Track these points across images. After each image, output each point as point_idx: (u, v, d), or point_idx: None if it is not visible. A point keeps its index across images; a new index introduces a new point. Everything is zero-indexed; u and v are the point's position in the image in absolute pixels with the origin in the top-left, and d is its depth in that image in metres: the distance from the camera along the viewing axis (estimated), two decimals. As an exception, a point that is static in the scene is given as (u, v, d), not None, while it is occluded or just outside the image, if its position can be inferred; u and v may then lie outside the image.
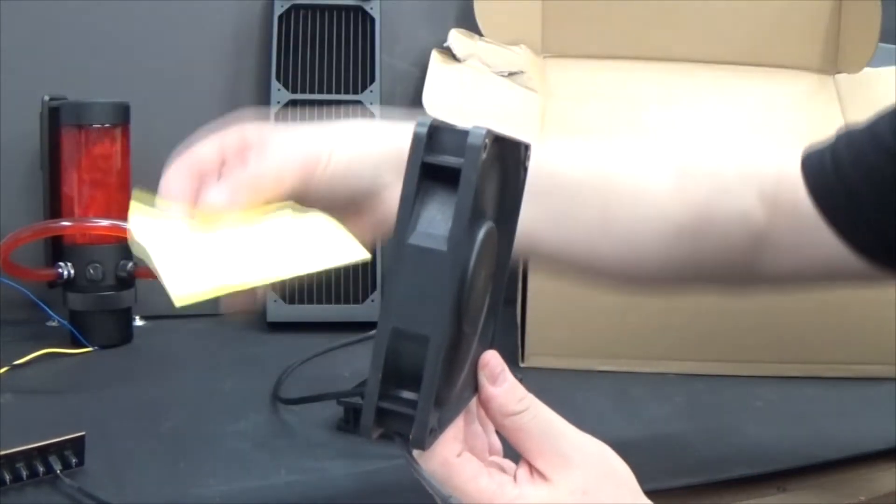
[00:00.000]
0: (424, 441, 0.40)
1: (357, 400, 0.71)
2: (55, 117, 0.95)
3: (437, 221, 0.38)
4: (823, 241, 0.60)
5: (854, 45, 1.10)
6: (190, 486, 0.62)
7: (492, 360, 0.46)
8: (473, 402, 0.46)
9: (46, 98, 0.96)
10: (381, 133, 0.56)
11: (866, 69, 1.10)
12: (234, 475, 0.64)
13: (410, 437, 0.40)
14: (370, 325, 1.00)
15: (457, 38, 1.05)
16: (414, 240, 0.38)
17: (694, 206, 0.61)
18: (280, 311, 1.01)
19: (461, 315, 0.40)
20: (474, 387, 0.45)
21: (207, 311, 1.07)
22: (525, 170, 0.45)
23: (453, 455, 0.45)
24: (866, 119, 0.61)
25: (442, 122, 0.38)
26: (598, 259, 0.61)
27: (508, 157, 0.43)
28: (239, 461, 0.66)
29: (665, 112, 1.03)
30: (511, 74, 1.04)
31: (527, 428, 0.45)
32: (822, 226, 0.60)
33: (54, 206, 0.97)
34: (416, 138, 0.37)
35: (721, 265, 0.62)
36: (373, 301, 1.01)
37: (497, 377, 0.45)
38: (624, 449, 0.46)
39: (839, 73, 1.10)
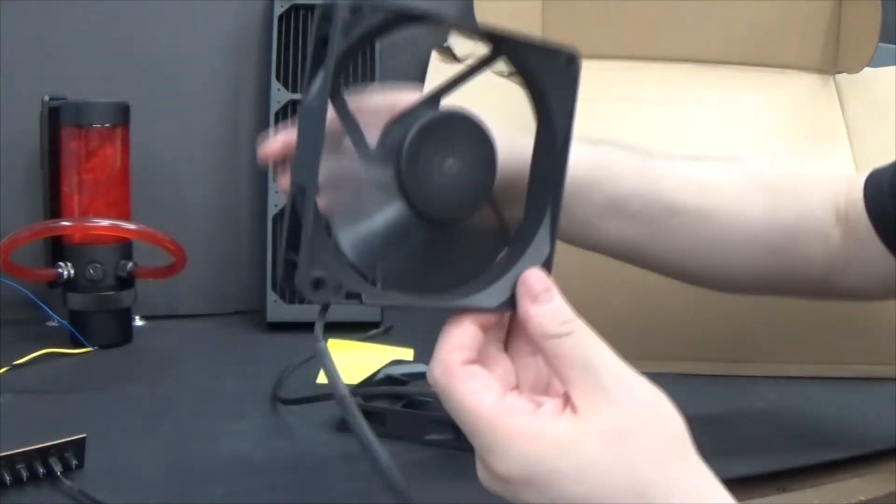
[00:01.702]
0: (306, 290, 0.40)
1: (357, 400, 0.71)
2: (55, 117, 0.95)
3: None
4: (880, 258, 0.63)
5: (854, 45, 1.10)
6: (190, 486, 0.62)
7: (531, 277, 0.43)
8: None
9: (46, 98, 0.96)
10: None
11: (866, 69, 1.09)
12: (234, 475, 0.64)
13: (294, 283, 0.40)
14: (371, 325, 1.00)
15: (457, 39, 1.05)
16: (304, 101, 0.42)
17: (782, 227, 0.64)
18: (280, 311, 1.01)
19: (406, 193, 0.42)
20: (512, 301, 0.44)
21: (207, 312, 1.07)
22: (570, 79, 0.46)
23: (456, 362, 0.41)
24: None
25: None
26: (694, 271, 0.66)
27: (530, 60, 0.45)
28: (239, 461, 0.66)
29: (665, 112, 1.03)
30: (511, 74, 1.04)
31: (569, 354, 0.40)
32: (877, 242, 0.63)
33: (54, 206, 0.97)
34: (318, 13, 0.41)
35: (802, 280, 0.66)
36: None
37: (538, 296, 0.42)
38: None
39: (839, 73, 1.10)
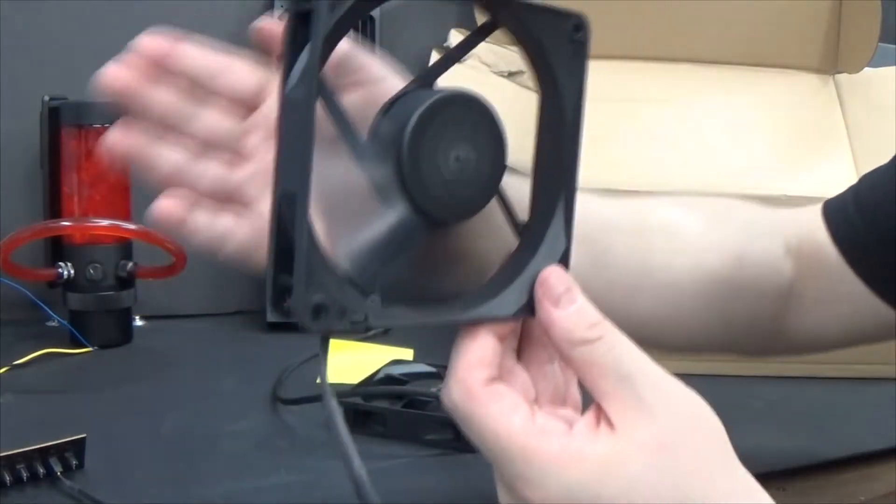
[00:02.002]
0: (305, 319, 0.34)
1: (357, 400, 0.71)
2: (55, 117, 0.95)
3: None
4: (850, 292, 0.57)
5: (854, 45, 1.10)
6: (190, 486, 0.62)
7: (551, 276, 0.38)
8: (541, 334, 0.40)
9: (46, 98, 0.96)
10: None
11: (866, 69, 1.09)
12: (234, 475, 0.64)
13: (290, 311, 0.34)
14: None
15: (457, 39, 1.05)
16: (284, 92, 0.35)
17: (727, 255, 0.56)
18: (280, 311, 1.01)
19: (410, 193, 0.37)
20: (530, 306, 0.39)
21: (207, 312, 1.07)
22: (579, 44, 0.40)
23: (478, 382, 0.36)
24: (891, 159, 0.58)
25: None
26: (636, 309, 0.54)
27: (533, 26, 0.39)
28: (239, 461, 0.66)
29: (665, 112, 1.03)
30: (511, 74, 1.04)
31: (601, 362, 0.36)
32: (848, 275, 0.57)
33: (54, 206, 0.97)
34: None
35: (752, 320, 0.58)
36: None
37: (560, 298, 0.38)
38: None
39: (839, 73, 1.10)
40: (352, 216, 0.38)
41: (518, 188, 0.41)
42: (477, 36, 0.41)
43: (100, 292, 0.93)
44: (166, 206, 0.46)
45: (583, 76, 0.41)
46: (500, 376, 0.38)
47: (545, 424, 0.36)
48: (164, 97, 0.47)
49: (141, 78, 0.47)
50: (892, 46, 1.16)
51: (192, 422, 0.74)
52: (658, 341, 0.55)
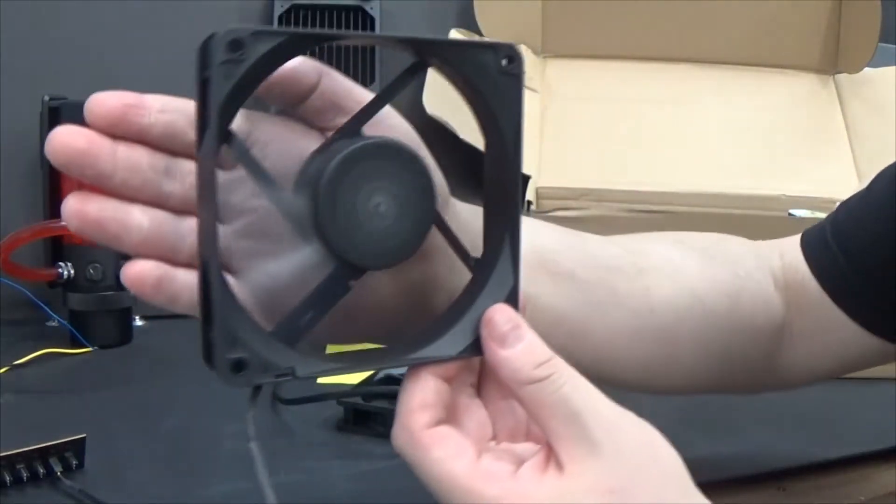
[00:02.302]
0: (224, 373, 0.36)
1: (357, 400, 0.71)
2: (55, 117, 0.95)
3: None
4: (834, 324, 0.56)
5: (854, 45, 1.10)
6: (190, 486, 0.62)
7: (496, 315, 0.38)
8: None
9: (46, 98, 0.96)
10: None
11: (866, 69, 1.10)
12: (234, 475, 0.64)
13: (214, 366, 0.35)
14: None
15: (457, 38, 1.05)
16: (197, 154, 0.35)
17: (724, 292, 0.55)
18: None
19: (326, 240, 0.36)
20: (477, 345, 0.38)
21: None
22: (513, 76, 0.39)
23: (420, 427, 0.36)
24: (865, 187, 0.58)
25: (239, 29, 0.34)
26: (640, 352, 0.53)
27: (463, 63, 0.39)
28: (239, 461, 0.66)
29: (665, 112, 1.03)
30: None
31: (549, 402, 0.36)
32: (831, 307, 0.55)
33: (54, 206, 0.97)
34: (198, 51, 0.35)
35: (747, 357, 0.57)
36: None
37: (506, 337, 0.37)
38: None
39: (839, 73, 1.10)
40: (274, 261, 0.38)
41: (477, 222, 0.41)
42: (405, 78, 0.39)
43: (100, 292, 0.93)
44: (140, 268, 0.38)
45: (519, 109, 0.39)
46: (451, 416, 0.38)
47: (489, 467, 0.36)
48: (131, 155, 0.37)
49: (99, 139, 0.37)
50: (892, 46, 1.16)
51: (192, 422, 0.74)
52: (658, 385, 0.56)
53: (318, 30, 0.37)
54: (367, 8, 1.07)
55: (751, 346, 0.56)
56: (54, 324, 0.94)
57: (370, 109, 0.39)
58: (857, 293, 0.55)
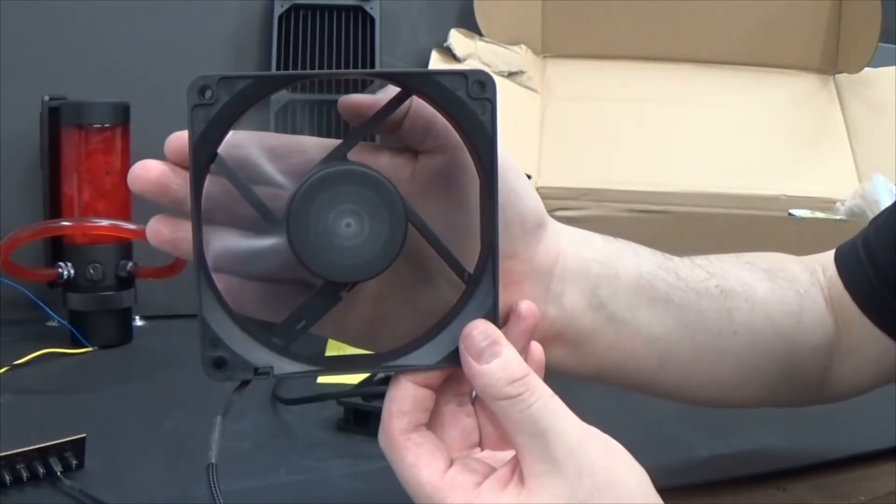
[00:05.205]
0: (207, 369, 0.41)
1: (357, 400, 0.71)
2: (55, 117, 0.95)
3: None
4: (870, 338, 0.57)
5: (854, 45, 1.10)
6: (190, 486, 0.62)
7: (474, 331, 0.39)
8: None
9: (46, 98, 0.96)
10: None
11: (866, 69, 1.10)
12: (234, 475, 0.64)
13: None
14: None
15: (457, 38, 1.05)
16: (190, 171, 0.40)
17: (788, 311, 0.56)
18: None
19: (301, 258, 0.39)
20: (456, 356, 0.40)
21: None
22: (485, 101, 0.40)
23: (396, 431, 0.39)
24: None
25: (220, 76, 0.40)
26: (721, 372, 0.54)
27: (440, 91, 0.40)
28: (239, 461, 0.66)
29: (665, 112, 1.03)
30: (511, 74, 1.04)
31: (517, 418, 0.37)
32: (864, 321, 0.57)
33: (54, 206, 0.97)
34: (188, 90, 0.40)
35: (807, 374, 0.58)
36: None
37: (482, 352, 0.38)
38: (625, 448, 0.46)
39: (839, 73, 1.10)
40: (257, 271, 0.43)
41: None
42: (390, 108, 0.41)
43: (100, 292, 0.92)
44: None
45: (493, 134, 0.40)
46: (437, 421, 0.40)
47: (454, 478, 0.38)
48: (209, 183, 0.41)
49: (171, 172, 0.42)
50: (892, 46, 1.16)
51: (192, 422, 0.74)
52: (731, 401, 0.57)
53: (284, 72, 0.42)
54: (367, 8, 1.07)
55: (811, 363, 0.57)
56: (54, 324, 0.94)
57: (355, 136, 0.42)
58: (887, 307, 0.56)
